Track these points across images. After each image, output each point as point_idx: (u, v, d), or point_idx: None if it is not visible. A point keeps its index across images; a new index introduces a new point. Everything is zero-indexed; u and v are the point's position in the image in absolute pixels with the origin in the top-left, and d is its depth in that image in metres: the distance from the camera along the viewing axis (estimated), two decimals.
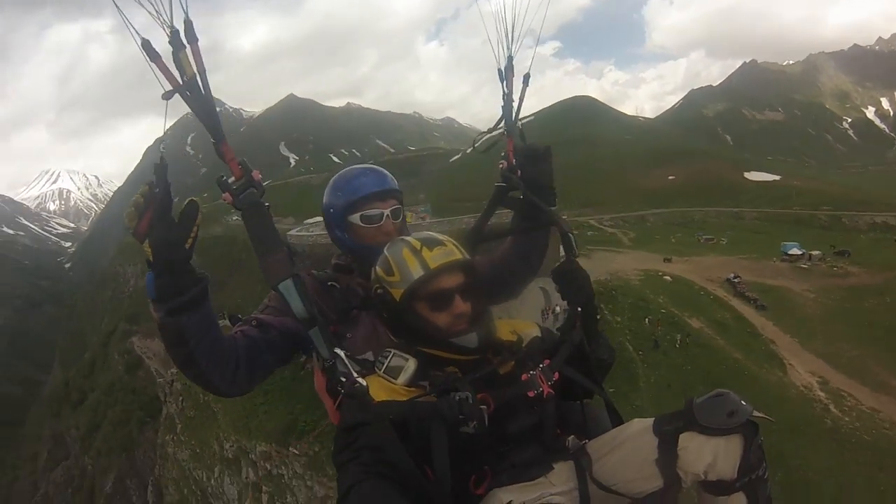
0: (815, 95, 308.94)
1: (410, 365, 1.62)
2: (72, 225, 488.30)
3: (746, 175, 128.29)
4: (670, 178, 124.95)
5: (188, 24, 1.40)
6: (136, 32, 1.36)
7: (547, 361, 1.69)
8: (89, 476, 50.10)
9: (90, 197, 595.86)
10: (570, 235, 1.93)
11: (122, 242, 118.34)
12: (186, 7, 1.38)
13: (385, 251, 1.77)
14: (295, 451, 25.57)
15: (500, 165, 2.17)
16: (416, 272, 1.66)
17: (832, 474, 19.46)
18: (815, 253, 40.50)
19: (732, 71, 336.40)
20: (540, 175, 2.15)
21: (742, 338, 28.03)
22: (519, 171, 2.14)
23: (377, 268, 1.76)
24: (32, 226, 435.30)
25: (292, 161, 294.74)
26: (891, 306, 30.10)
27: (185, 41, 1.41)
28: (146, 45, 1.38)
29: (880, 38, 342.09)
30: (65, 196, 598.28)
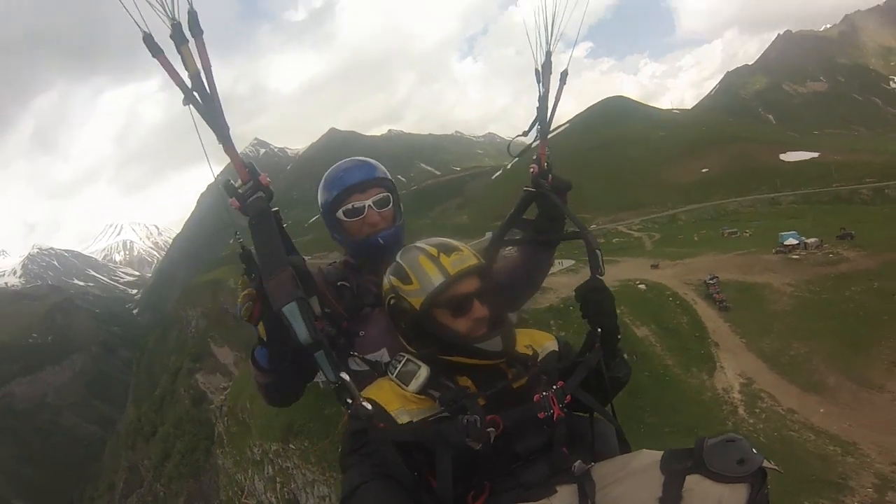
0: (857, 57, 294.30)
1: (422, 372, 1.62)
2: (136, 273, 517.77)
3: (782, 157, 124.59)
4: (703, 170, 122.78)
5: (192, 16, 1.34)
6: (140, 25, 1.31)
7: (561, 383, 1.68)
8: (161, 501, 55.11)
9: (152, 245, 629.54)
10: (598, 252, 1.90)
11: (184, 287, 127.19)
12: None
13: (398, 259, 1.77)
14: (293, 446, 32.32)
15: (531, 170, 2.15)
16: (437, 279, 1.66)
17: None
18: (810, 241, 39.59)
19: (768, 46, 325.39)
20: (554, 209, 2.15)
21: (685, 342, 28.23)
22: (550, 177, 2.14)
23: (391, 276, 1.76)
24: (101, 276, 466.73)
25: None
26: (877, 292, 29.83)
27: (188, 35, 1.35)
28: (148, 40, 1.33)
29: None
30: (128, 246, 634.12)
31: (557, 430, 1.65)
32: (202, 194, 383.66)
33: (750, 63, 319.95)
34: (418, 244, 1.78)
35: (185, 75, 1.39)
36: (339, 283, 2.04)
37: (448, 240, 1.79)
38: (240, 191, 1.53)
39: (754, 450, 1.44)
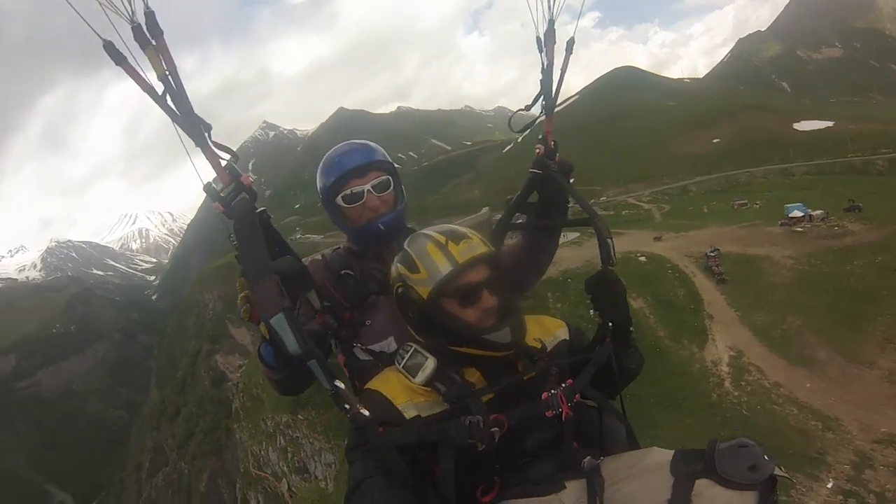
0: (874, 21, 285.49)
1: (429, 364, 1.60)
2: (153, 260, 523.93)
3: (796, 126, 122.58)
4: (714, 140, 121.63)
5: (150, 16, 1.30)
6: (97, 33, 1.26)
7: (570, 382, 1.66)
8: (186, 478, 57.42)
9: (167, 232, 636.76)
10: (609, 242, 1.82)
11: (200, 272, 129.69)
12: None
13: (406, 246, 1.73)
14: (301, 417, 34.83)
15: (537, 150, 2.07)
16: (445, 268, 1.62)
17: (684, 442, 20.59)
18: (816, 213, 39.07)
19: (781, 11, 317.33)
20: (556, 190, 2.09)
21: (680, 315, 28.08)
22: (557, 156, 2.07)
23: (398, 265, 1.72)
24: (119, 265, 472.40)
25: None
26: (879, 266, 29.64)
27: (149, 37, 1.31)
28: (108, 47, 1.29)
29: None
30: (144, 235, 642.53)
31: (566, 427, 1.64)
32: (214, 178, 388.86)
33: (762, 29, 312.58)
34: (427, 231, 1.76)
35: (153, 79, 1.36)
36: (342, 272, 2.00)
37: (457, 227, 1.76)
38: (222, 194, 1.50)
39: (766, 456, 1.42)
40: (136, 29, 1.29)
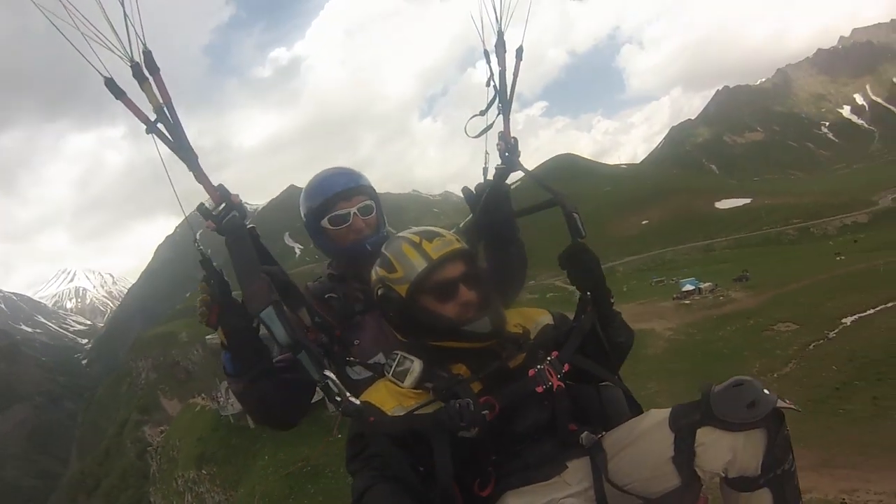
0: (791, 106, 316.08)
1: (416, 367, 1.59)
2: (88, 322, 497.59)
3: (717, 204, 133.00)
4: (644, 222, 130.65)
5: (147, 55, 1.40)
6: (100, 71, 1.38)
7: (556, 354, 1.63)
8: None
9: (105, 294, 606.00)
10: (575, 216, 1.83)
11: (137, 339, 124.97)
12: (143, 38, 1.39)
13: (383, 250, 1.74)
14: (204, 472, 38.34)
15: (497, 146, 2.09)
16: (420, 265, 1.63)
17: None
18: (705, 286, 43.23)
19: (709, 100, 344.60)
20: (502, 213, 2.09)
21: None
22: (520, 153, 2.08)
23: (377, 268, 1.72)
24: (50, 323, 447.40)
25: (297, 251, 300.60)
26: (750, 328, 32.99)
27: (146, 73, 1.41)
28: (110, 84, 1.40)
29: (842, 36, 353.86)
30: (81, 294, 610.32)
31: (559, 403, 1.61)
32: (159, 246, 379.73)
33: (692, 118, 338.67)
34: (402, 234, 1.78)
35: (148, 111, 1.47)
36: (326, 296, 2.02)
37: (432, 227, 1.78)
38: (214, 213, 1.57)
39: (766, 390, 1.38)
40: (134, 67, 1.40)
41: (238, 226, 1.56)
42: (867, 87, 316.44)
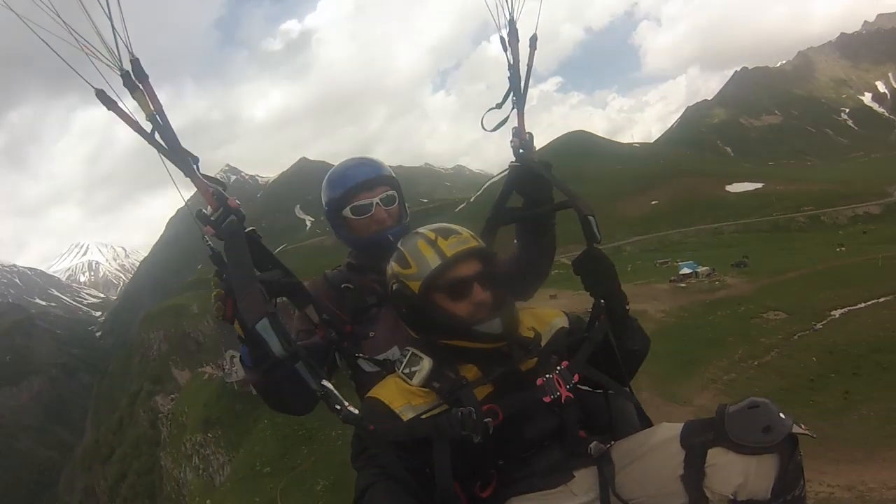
0: (811, 90, 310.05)
1: (425, 365, 1.59)
2: (101, 295, 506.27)
3: (728, 188, 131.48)
4: (653, 202, 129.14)
5: (136, 63, 1.42)
6: (90, 83, 1.39)
7: (566, 363, 1.61)
8: None
9: (118, 268, 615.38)
10: (591, 219, 1.78)
11: (149, 311, 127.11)
12: (130, 47, 1.40)
13: (399, 245, 1.73)
14: (210, 435, 41.06)
15: (512, 143, 2.07)
16: (434, 262, 1.62)
17: None
18: (702, 270, 43.41)
19: (727, 81, 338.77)
20: (538, 192, 2.05)
21: None
22: (535, 147, 2.07)
23: (392, 263, 1.72)
24: (64, 297, 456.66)
25: (308, 223, 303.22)
26: (740, 315, 33.20)
27: (136, 82, 1.43)
28: (101, 95, 1.41)
29: (866, 21, 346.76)
30: (94, 268, 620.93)
31: (568, 412, 1.59)
32: (171, 219, 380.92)
33: (709, 98, 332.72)
34: (419, 230, 1.77)
35: (141, 118, 1.47)
36: (342, 286, 2.03)
37: (449, 224, 1.76)
38: (212, 218, 1.56)
39: (782, 414, 1.34)
40: (124, 76, 1.42)
41: (235, 231, 1.55)
42: (889, 74, 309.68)
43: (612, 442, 1.58)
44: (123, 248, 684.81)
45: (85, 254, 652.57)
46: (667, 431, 1.48)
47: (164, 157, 1.50)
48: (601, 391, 1.71)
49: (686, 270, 44.70)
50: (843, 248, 53.61)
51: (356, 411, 1.44)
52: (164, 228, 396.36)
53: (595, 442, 1.55)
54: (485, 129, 2.13)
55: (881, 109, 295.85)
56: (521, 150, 2.04)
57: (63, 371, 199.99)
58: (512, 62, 2.03)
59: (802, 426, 1.33)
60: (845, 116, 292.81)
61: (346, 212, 2.02)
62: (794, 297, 35.32)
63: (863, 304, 33.06)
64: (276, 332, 1.40)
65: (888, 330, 29.25)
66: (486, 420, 1.45)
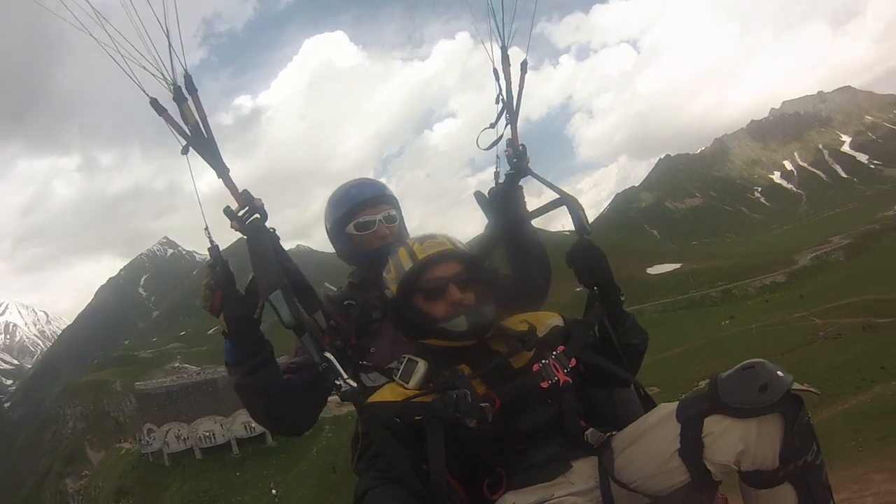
0: (727, 172, 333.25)
1: (421, 367, 1.60)
2: (15, 361, 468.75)
3: (649, 270, 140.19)
4: (577, 289, 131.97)
5: (188, 79, 1.53)
6: (146, 92, 1.52)
7: (562, 348, 1.62)
8: None
9: (37, 333, 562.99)
10: (580, 213, 1.85)
11: (68, 384, 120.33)
12: (185, 64, 1.51)
13: (389, 256, 1.80)
14: None
15: (506, 153, 2.14)
16: (407, 264, 1.68)
17: None
18: None
19: (653, 167, 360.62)
20: (516, 209, 2.15)
21: None
22: (528, 159, 2.13)
23: (383, 273, 1.79)
24: None
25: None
26: None
27: (186, 94, 1.54)
28: (154, 103, 1.55)
29: (772, 108, 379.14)
30: (11, 330, 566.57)
31: (566, 399, 1.57)
32: (101, 287, 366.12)
33: (636, 184, 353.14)
34: (406, 240, 1.86)
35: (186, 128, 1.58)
36: (345, 303, 2.07)
37: (434, 233, 1.81)
38: (239, 214, 1.64)
39: (779, 372, 1.26)
40: (176, 89, 1.53)
41: (259, 227, 1.63)
42: (795, 153, 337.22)
43: (614, 432, 1.55)
44: (46, 313, 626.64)
45: (2, 314, 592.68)
46: (663, 410, 1.45)
47: (206, 159, 1.63)
48: (605, 387, 1.75)
49: None
50: (727, 322, 57.67)
51: (355, 384, 1.51)
52: (92, 296, 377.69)
53: (592, 430, 1.53)
54: (480, 147, 2.23)
55: (789, 185, 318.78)
56: (514, 160, 2.14)
57: None
58: (504, 87, 2.15)
59: (805, 384, 1.26)
60: (758, 194, 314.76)
61: (350, 228, 2.11)
62: (669, 373, 38.99)
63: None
64: (287, 302, 1.49)
65: None
66: (483, 404, 1.47)
